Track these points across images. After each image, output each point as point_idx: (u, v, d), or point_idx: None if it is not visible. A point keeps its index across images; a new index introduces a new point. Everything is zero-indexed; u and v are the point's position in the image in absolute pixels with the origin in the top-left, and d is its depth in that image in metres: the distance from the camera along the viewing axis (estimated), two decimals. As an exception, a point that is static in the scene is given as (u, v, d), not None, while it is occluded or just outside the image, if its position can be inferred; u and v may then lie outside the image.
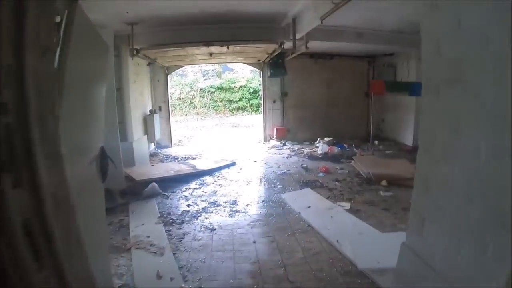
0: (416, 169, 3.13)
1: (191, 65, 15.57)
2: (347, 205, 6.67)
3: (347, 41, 10.11)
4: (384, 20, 8.87)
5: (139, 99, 11.00)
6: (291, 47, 9.04)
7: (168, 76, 13.99)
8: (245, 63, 14.26)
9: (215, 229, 5.79)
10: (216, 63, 16.61)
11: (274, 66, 12.31)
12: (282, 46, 9.30)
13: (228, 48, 9.19)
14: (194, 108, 22.99)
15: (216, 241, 5.39)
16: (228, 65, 23.38)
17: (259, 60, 13.25)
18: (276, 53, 10.80)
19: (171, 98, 21.54)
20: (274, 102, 13.88)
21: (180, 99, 23.14)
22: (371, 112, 12.89)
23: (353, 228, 5.58)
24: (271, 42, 9.26)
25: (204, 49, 9.88)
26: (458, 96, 2.33)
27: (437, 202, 2.63)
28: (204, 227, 5.86)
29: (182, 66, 14.58)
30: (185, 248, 5.13)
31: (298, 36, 8.65)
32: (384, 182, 7.93)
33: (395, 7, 7.52)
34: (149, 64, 11.22)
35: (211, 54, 10.83)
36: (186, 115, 22.57)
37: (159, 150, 12.79)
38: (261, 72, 13.97)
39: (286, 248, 5.05)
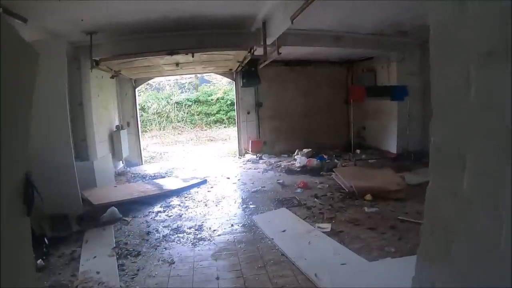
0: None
1: (160, 77, 14.92)
2: (327, 226, 5.90)
3: (324, 45, 9.63)
4: (363, 22, 8.43)
5: (104, 114, 10.30)
6: (262, 54, 8.47)
7: (137, 89, 13.25)
8: (216, 73, 13.60)
9: (174, 262, 5.04)
10: (184, 74, 16.01)
11: (247, 75, 11.69)
12: (252, 52, 8.69)
13: (193, 56, 8.43)
14: (171, 122, 22.32)
15: (174, 277, 4.62)
16: (205, 77, 22.82)
17: (230, 70, 12.61)
18: (247, 61, 10.17)
19: (147, 112, 21.06)
20: (249, 113, 13.19)
21: (156, 113, 22.41)
22: (351, 120, 12.20)
23: (334, 257, 4.79)
24: (239, 48, 8.64)
25: (169, 59, 9.18)
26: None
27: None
28: (162, 260, 5.12)
29: (151, 78, 13.83)
30: (137, 287, 4.41)
31: (269, 41, 8.06)
32: (368, 197, 7.25)
33: (373, 6, 7.00)
34: (113, 76, 10.43)
35: (177, 64, 10.10)
36: (163, 129, 21.83)
37: (128, 169, 11.99)
38: (234, 82, 13.33)
39: (255, 286, 4.29)
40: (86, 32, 7.72)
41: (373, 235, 5.52)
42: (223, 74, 13.45)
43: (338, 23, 8.42)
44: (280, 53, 8.44)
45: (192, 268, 4.82)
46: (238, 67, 11.63)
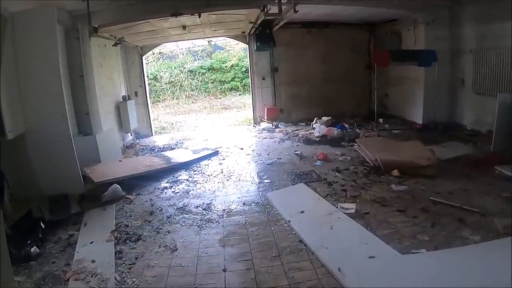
0: None
1: (167, 43, 14.03)
2: (351, 207, 5.25)
3: (345, 3, 8.97)
4: None
5: (108, 85, 9.77)
6: (277, 13, 7.73)
7: (144, 57, 12.61)
8: (228, 36, 13.00)
9: (176, 249, 4.55)
10: (193, 39, 15.21)
11: (261, 38, 11.17)
12: (266, 10, 7.94)
13: (199, 17, 7.72)
14: (184, 91, 21.80)
15: (175, 268, 4.12)
16: (218, 43, 22.28)
17: (243, 32, 11.95)
18: (260, 22, 9.48)
19: (160, 82, 20.59)
20: (264, 79, 12.54)
21: (169, 82, 21.89)
22: (374, 87, 11.41)
23: (361, 247, 4.13)
24: (251, 6, 7.82)
25: (174, 21, 8.56)
26: None
27: None
28: (164, 246, 4.64)
29: (158, 45, 13.15)
30: (133, 280, 3.93)
31: None
32: (395, 172, 6.57)
33: None
34: (116, 44, 9.81)
35: (184, 27, 9.47)
36: (176, 99, 21.34)
37: (137, 141, 11.58)
38: (247, 46, 12.66)
39: (267, 281, 3.72)
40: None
41: (403, 219, 4.90)
42: (235, 37, 12.77)
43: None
44: (297, 11, 7.70)
45: (196, 257, 4.31)
46: (251, 29, 10.99)
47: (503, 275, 3.30)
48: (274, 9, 7.72)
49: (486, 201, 5.27)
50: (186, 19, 8.42)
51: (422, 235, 4.38)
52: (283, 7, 7.62)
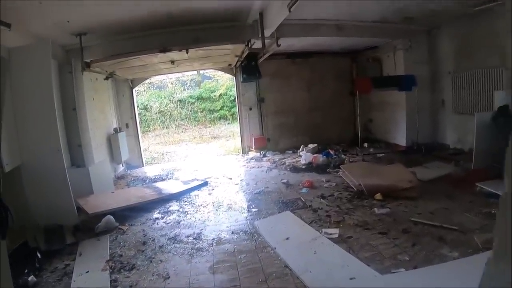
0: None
1: (157, 76, 14.39)
2: (334, 232, 5.45)
3: (325, 35, 9.23)
4: (366, 9, 8.05)
5: (100, 118, 9.96)
6: (261, 47, 8.03)
7: (135, 89, 12.84)
8: (215, 69, 13.42)
9: (169, 277, 4.66)
10: (182, 72, 15.60)
11: (247, 69, 11.38)
12: (250, 45, 8.30)
13: (187, 53, 8.01)
14: (174, 120, 22.01)
15: None
16: (206, 73, 22.56)
17: (230, 65, 12.21)
18: (245, 55, 9.80)
19: (150, 112, 20.77)
20: (251, 109, 12.79)
21: (159, 112, 22.11)
22: (358, 113, 11.70)
23: (343, 270, 4.33)
24: (236, 42, 8.19)
25: (163, 57, 8.82)
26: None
27: None
28: (157, 274, 4.74)
29: (147, 78, 13.46)
30: None
31: (267, 32, 7.71)
32: (378, 196, 6.81)
33: None
34: (107, 78, 10.07)
35: (173, 62, 9.73)
36: (166, 128, 21.53)
37: (128, 171, 11.69)
38: (234, 77, 12.96)
39: None
40: (75, 34, 7.44)
41: (384, 241, 5.10)
42: (223, 70, 13.09)
43: (339, 10, 8.06)
44: (280, 45, 8.10)
45: (188, 284, 4.45)
46: (237, 62, 11.28)
47: None
48: (258, 44, 8.02)
49: (466, 218, 5.50)
50: (174, 55, 8.65)
51: (402, 255, 4.56)
52: (266, 41, 7.86)
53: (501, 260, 1.59)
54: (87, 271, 4.93)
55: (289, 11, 5.76)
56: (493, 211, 5.56)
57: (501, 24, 7.43)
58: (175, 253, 5.36)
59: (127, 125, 12.23)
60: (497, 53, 7.87)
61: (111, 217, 6.62)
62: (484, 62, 8.28)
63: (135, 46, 7.96)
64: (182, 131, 21.30)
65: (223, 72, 14.23)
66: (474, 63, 8.60)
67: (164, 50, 7.74)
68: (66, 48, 8.14)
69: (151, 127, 21.07)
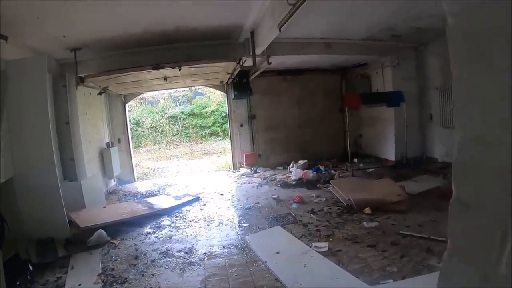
0: None
1: (150, 92, 14.47)
2: (324, 246, 5.53)
3: (315, 53, 9.41)
4: (354, 27, 8.24)
5: (93, 132, 10.03)
6: (252, 64, 8.21)
7: (127, 104, 12.94)
8: (207, 86, 13.45)
9: None
10: (174, 88, 15.66)
11: (238, 87, 11.44)
12: (241, 63, 8.47)
13: (180, 70, 8.14)
14: (166, 136, 22.05)
15: None
16: (198, 90, 22.46)
17: (221, 82, 12.39)
18: (237, 72, 9.91)
19: (142, 127, 20.77)
20: (242, 126, 12.91)
21: (151, 127, 22.15)
22: (347, 128, 11.82)
23: (332, 282, 4.42)
24: (228, 60, 8.42)
25: (156, 73, 8.98)
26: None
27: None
28: None
29: (140, 94, 13.51)
30: None
31: (258, 51, 7.90)
32: (367, 210, 6.91)
33: (365, 8, 6.76)
34: (100, 93, 10.14)
35: (165, 78, 9.88)
36: (158, 144, 21.56)
37: (120, 186, 11.68)
38: (226, 94, 13.11)
39: None
40: (70, 48, 7.55)
41: (373, 253, 5.19)
42: (214, 86, 13.24)
43: (328, 29, 8.22)
44: (270, 63, 8.27)
45: (180, 297, 4.46)
46: (228, 79, 11.41)
47: None
48: (249, 61, 8.14)
49: (454, 229, 5.64)
50: (167, 71, 8.79)
51: (391, 267, 4.66)
52: (257, 59, 8.02)
53: (454, 256, 1.78)
54: (79, 284, 4.94)
55: (279, 30, 5.89)
56: None
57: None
58: (167, 267, 5.39)
59: (119, 140, 12.28)
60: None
61: (103, 231, 6.63)
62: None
63: (129, 62, 8.09)
64: (174, 147, 21.32)
65: (215, 89, 14.34)
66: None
67: (157, 67, 7.90)
68: (61, 62, 8.23)
69: (142, 143, 21.07)
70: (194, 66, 8.44)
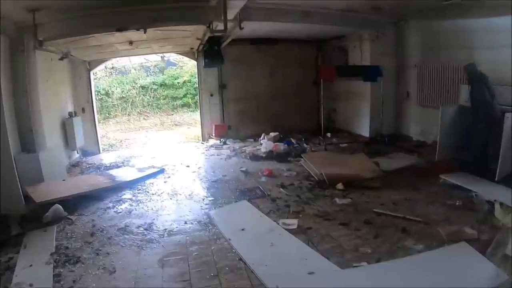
0: None
1: (116, 58, 13.85)
2: (293, 223, 5.22)
3: (291, 21, 9.05)
4: None
5: (54, 101, 9.43)
6: (223, 30, 7.64)
7: (92, 72, 12.34)
8: (177, 52, 13.05)
9: (115, 271, 4.33)
10: (141, 54, 15.07)
11: (209, 54, 10.92)
12: (212, 27, 7.89)
13: (145, 32, 7.62)
14: (136, 107, 21.45)
15: None
16: (171, 59, 21.98)
17: (192, 49, 11.99)
18: (207, 38, 9.45)
19: (111, 98, 20.14)
20: (212, 95, 12.53)
21: (121, 98, 21.49)
22: (321, 102, 11.50)
23: (300, 263, 4.10)
24: (196, 23, 7.94)
25: (120, 36, 8.53)
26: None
27: None
28: (103, 268, 4.41)
29: (106, 60, 12.86)
30: None
31: (230, 15, 7.36)
32: (340, 185, 6.66)
33: None
34: (62, 58, 9.48)
35: (131, 42, 9.37)
36: (128, 115, 20.95)
37: (83, 159, 11.16)
38: (196, 62, 12.68)
39: None
40: (29, 9, 6.89)
41: (346, 232, 4.94)
42: (184, 53, 12.79)
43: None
44: (242, 28, 7.87)
45: (134, 278, 4.15)
46: (199, 45, 11.03)
47: (447, 283, 3.43)
48: (220, 27, 7.70)
49: (430, 209, 5.45)
50: (132, 34, 8.38)
51: (364, 247, 4.43)
52: (228, 24, 7.59)
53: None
54: (31, 265, 4.58)
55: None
56: (457, 203, 5.54)
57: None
58: (124, 245, 5.05)
59: (83, 110, 11.69)
60: (463, 47, 7.82)
61: (60, 206, 6.23)
62: (450, 56, 8.26)
63: (91, 24, 7.57)
64: (144, 118, 20.82)
65: (186, 58, 13.93)
66: (441, 57, 8.58)
67: (120, 29, 7.43)
68: (19, 25, 7.53)
69: (112, 114, 20.43)
70: (160, 29, 8.04)
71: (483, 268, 3.63)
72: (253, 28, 9.33)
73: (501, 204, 5.04)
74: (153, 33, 8.39)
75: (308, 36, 12.18)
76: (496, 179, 5.90)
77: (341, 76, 10.34)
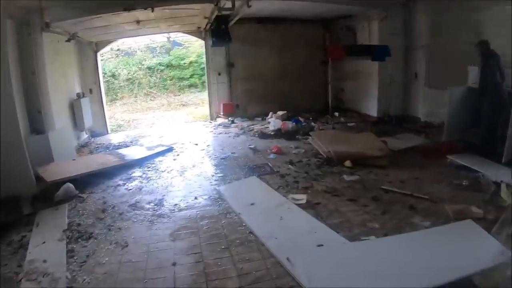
0: None
1: (122, 38, 13.70)
2: (302, 198, 5.29)
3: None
4: None
5: (62, 82, 9.41)
6: (231, 8, 7.81)
7: (99, 53, 12.31)
8: (184, 32, 12.95)
9: (127, 245, 4.43)
10: (148, 34, 14.98)
11: (217, 33, 10.81)
12: (218, 5, 7.89)
13: (153, 11, 7.59)
14: (142, 88, 21.43)
15: (125, 264, 4.02)
16: (177, 40, 22.01)
17: (199, 28, 11.91)
18: (214, 17, 9.31)
19: (118, 79, 20.13)
20: (220, 74, 12.51)
21: (127, 79, 21.46)
22: (329, 81, 11.46)
23: (310, 236, 4.16)
24: (204, 1, 7.88)
25: (127, 16, 8.47)
26: None
27: None
28: (115, 243, 4.50)
29: (113, 41, 12.79)
30: (84, 278, 3.83)
31: None
32: (348, 163, 6.70)
33: None
34: (69, 39, 9.48)
35: (138, 22, 9.33)
36: (135, 96, 20.94)
37: (92, 139, 11.23)
38: (204, 41, 12.63)
39: (216, 273, 3.70)
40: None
41: (354, 208, 5.00)
42: (191, 33, 12.72)
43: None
44: (250, 5, 7.75)
45: (146, 252, 4.24)
46: (206, 24, 10.94)
47: (452, 258, 3.45)
48: (228, 5, 7.74)
49: (437, 189, 5.46)
50: (139, 14, 8.34)
51: (372, 222, 4.48)
52: (236, 2, 7.58)
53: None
54: (44, 242, 4.64)
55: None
56: (464, 183, 5.57)
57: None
58: (135, 220, 5.14)
59: (90, 91, 11.71)
60: (472, 29, 7.72)
61: (71, 184, 6.29)
62: (458, 37, 8.16)
63: (98, 3, 7.51)
64: (151, 99, 20.74)
65: (193, 38, 13.85)
66: (449, 38, 8.48)
67: (128, 8, 7.42)
68: (27, 9, 7.43)
69: (119, 95, 20.37)
70: (168, 7, 7.94)
71: (489, 245, 3.66)
72: (261, 6, 9.24)
73: (507, 185, 5.05)
74: (161, 12, 8.34)
75: (315, 15, 12.04)
76: (503, 161, 5.89)
77: (349, 55, 10.20)
